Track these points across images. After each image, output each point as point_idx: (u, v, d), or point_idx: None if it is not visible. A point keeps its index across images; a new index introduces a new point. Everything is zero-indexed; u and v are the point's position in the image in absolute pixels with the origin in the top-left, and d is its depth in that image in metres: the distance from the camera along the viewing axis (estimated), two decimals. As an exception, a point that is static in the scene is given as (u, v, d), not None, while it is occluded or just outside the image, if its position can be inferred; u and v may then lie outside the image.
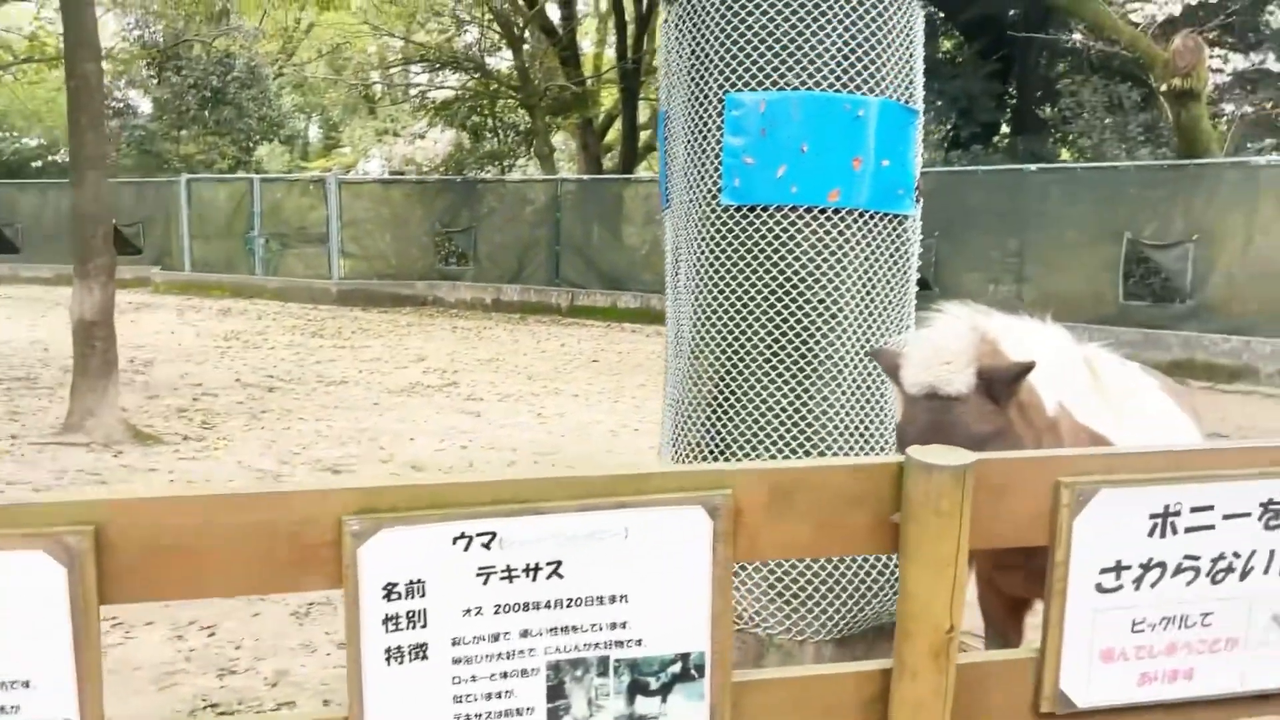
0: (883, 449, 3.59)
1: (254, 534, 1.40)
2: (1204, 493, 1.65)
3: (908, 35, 3.59)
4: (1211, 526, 1.67)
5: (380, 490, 1.44)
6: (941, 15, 18.43)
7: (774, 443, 3.53)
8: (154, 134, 25.44)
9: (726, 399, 3.61)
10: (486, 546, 1.46)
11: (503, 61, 24.73)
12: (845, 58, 3.43)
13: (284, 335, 14.64)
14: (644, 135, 25.73)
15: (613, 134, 26.67)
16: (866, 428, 3.57)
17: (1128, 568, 1.66)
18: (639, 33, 21.93)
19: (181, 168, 23.75)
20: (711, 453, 3.64)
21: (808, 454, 3.51)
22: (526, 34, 22.23)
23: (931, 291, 13.92)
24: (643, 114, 25.95)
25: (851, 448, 3.54)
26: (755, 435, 3.55)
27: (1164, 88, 11.91)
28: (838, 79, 3.43)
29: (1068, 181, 13.45)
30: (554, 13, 23.03)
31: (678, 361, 3.83)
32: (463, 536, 1.45)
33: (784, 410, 3.52)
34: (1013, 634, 2.87)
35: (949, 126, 18.26)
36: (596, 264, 18.44)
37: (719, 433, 3.63)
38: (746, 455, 3.56)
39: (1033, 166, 14.26)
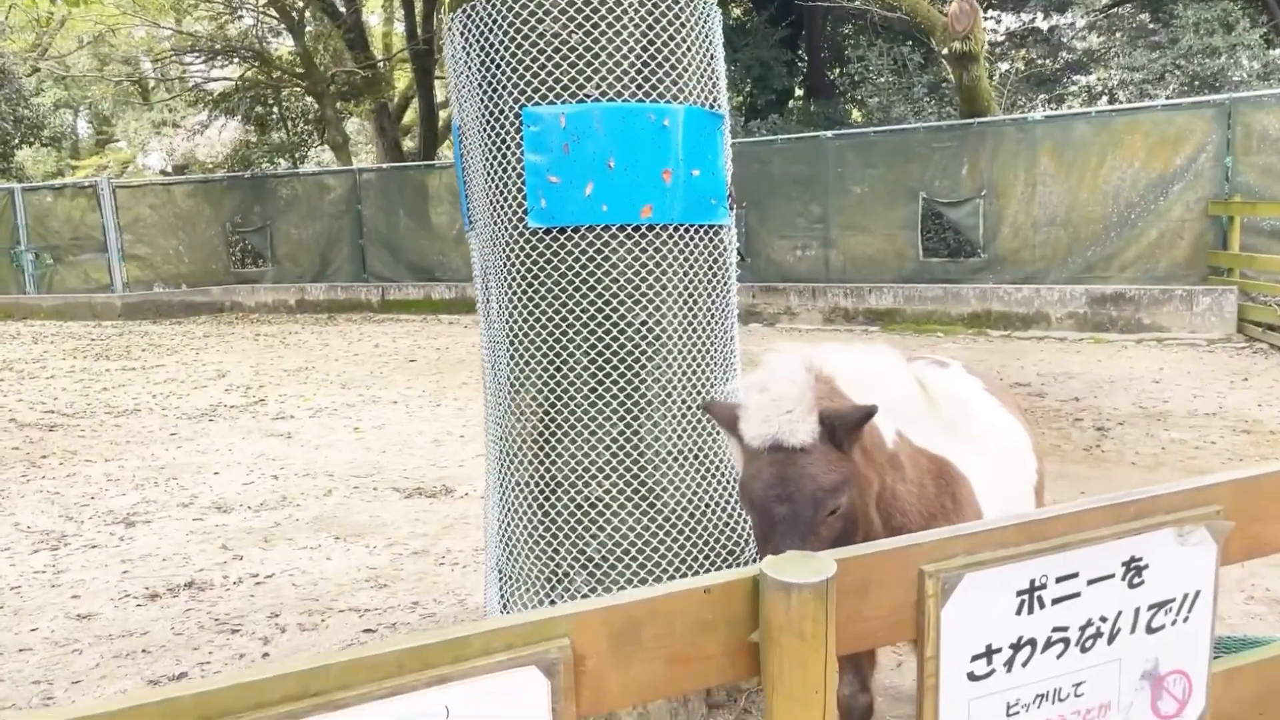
0: (717, 472, 3.46)
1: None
2: (1067, 561, 1.56)
3: (707, 37, 3.42)
4: (1077, 594, 1.58)
5: (111, 717, 1.14)
6: (729, -18, 18.62)
7: (606, 476, 3.34)
8: (-111, 144, 22.86)
9: (553, 433, 3.38)
10: (274, 758, 1.19)
11: (284, 46, 23.38)
12: (645, 64, 3.23)
13: (65, 360, 13.39)
14: (443, 114, 24.86)
15: (410, 114, 25.68)
16: (699, 451, 3.42)
17: (998, 650, 1.55)
18: (428, 9, 21.12)
19: (-74, 180, 21.47)
20: (541, 490, 3.41)
21: (642, 484, 3.34)
22: (307, 16, 21.02)
23: (745, 262, 14.09)
24: (440, 93, 25.08)
25: (685, 472, 3.39)
26: (586, 469, 3.35)
27: (945, 51, 12.36)
28: (639, 87, 3.23)
29: (863, 146, 13.84)
30: (335, -9, 21.86)
31: (497, 395, 3.57)
32: (241, 753, 1.17)
33: (614, 440, 3.33)
34: (866, 662, 2.79)
35: (745, 95, 18.50)
36: (405, 255, 17.76)
37: (547, 469, 3.40)
38: (578, 490, 3.36)
39: (829, 133, 14.60)
